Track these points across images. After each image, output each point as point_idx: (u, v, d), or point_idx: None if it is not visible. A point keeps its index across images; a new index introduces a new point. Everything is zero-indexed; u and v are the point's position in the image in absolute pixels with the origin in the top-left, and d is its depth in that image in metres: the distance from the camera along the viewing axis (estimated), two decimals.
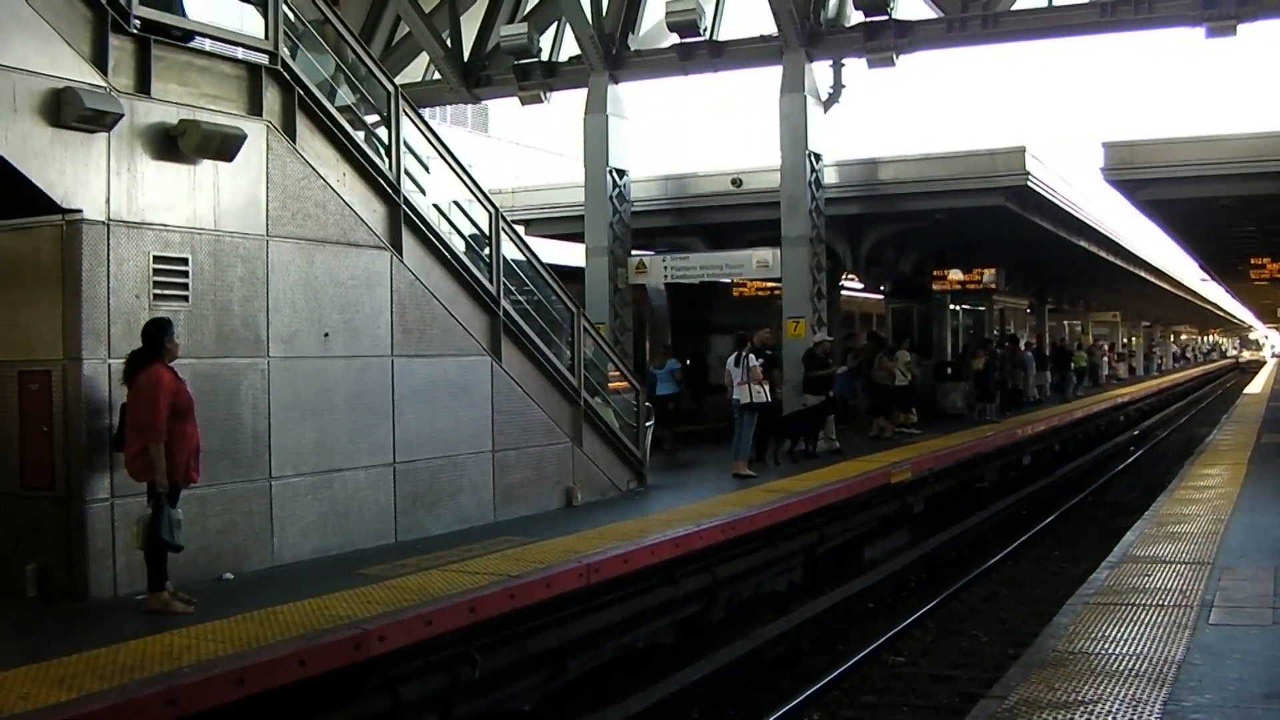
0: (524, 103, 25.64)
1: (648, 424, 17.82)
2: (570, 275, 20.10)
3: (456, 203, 14.89)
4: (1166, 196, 27.68)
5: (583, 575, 11.49)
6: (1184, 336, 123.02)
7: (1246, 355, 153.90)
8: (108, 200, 10.13)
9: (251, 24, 12.05)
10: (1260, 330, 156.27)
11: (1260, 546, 12.65)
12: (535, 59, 24.56)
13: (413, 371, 13.25)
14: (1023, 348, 39.64)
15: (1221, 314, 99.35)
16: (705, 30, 22.99)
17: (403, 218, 13.19)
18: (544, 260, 16.34)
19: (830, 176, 24.85)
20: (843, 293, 34.15)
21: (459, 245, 14.38)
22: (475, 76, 25.82)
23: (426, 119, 14.62)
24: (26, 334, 10.37)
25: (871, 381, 25.78)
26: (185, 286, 10.74)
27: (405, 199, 13.23)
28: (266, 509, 11.47)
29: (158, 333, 9.77)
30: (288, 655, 8.36)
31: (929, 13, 22.36)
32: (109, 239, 10.13)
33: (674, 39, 23.48)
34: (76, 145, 9.92)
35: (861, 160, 27.40)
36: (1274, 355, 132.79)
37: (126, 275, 10.27)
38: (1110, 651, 8.66)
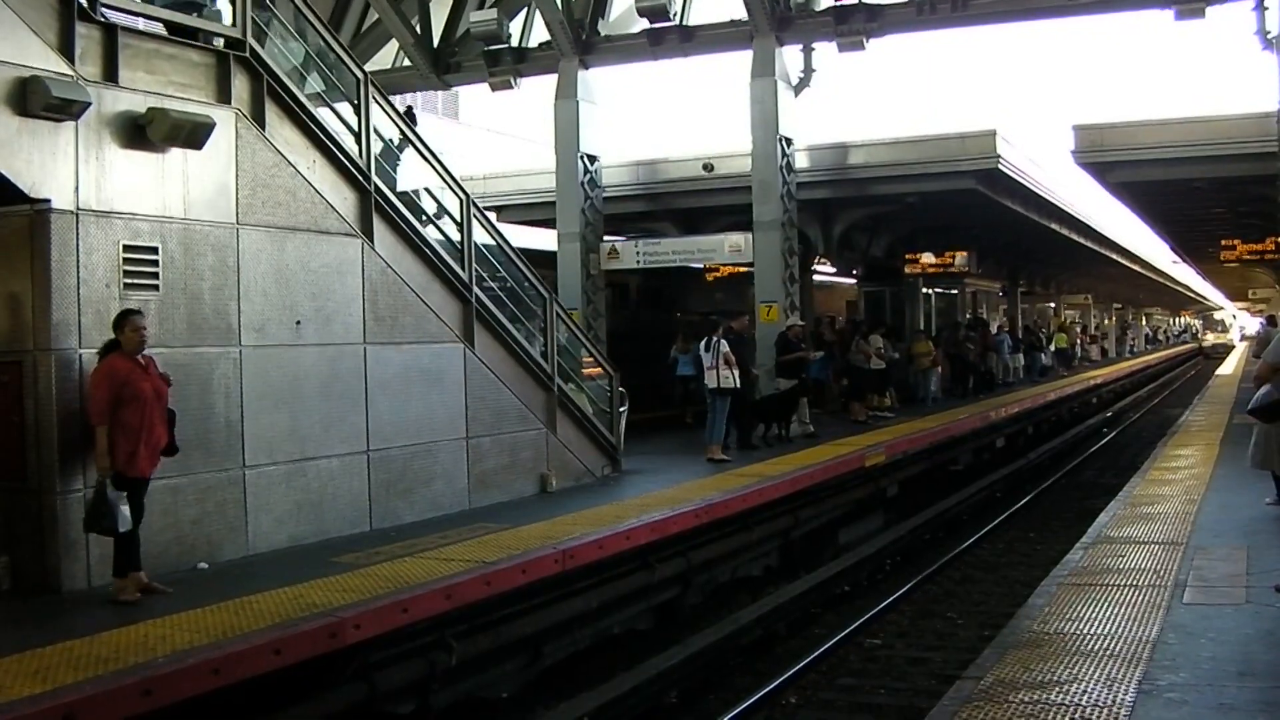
0: (494, 89, 25.60)
1: (622, 409, 17.81)
2: (541, 260, 20.06)
3: (428, 189, 14.86)
4: (1137, 179, 27.87)
5: (558, 561, 11.48)
6: (1156, 318, 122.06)
7: (1210, 338, 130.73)
8: (76, 189, 10.06)
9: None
10: (1228, 309, 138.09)
11: (1233, 526, 12.71)
12: (505, 45, 24.56)
13: (385, 359, 13.21)
14: (994, 331, 39.74)
15: (1193, 295, 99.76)
16: (675, 15, 23.01)
17: (374, 205, 13.14)
18: (516, 245, 16.32)
19: (801, 161, 24.90)
20: None
21: (431, 232, 14.33)
22: (445, 63, 25.79)
23: (397, 106, 14.57)
24: None
25: (848, 364, 25.79)
26: (155, 276, 10.68)
27: (376, 186, 13.18)
28: (240, 498, 11.42)
29: (115, 324, 9.79)
30: (263, 644, 8.33)
31: None
32: (78, 228, 10.06)
33: (644, 24, 23.46)
34: (44, 134, 9.85)
35: (833, 144, 27.48)
36: (1243, 338, 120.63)
37: (96, 265, 10.20)
38: (1085, 632, 8.70)
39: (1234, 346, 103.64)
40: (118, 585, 9.62)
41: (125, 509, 9.50)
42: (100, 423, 9.55)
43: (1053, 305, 64.46)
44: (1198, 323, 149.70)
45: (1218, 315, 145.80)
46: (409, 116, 15.04)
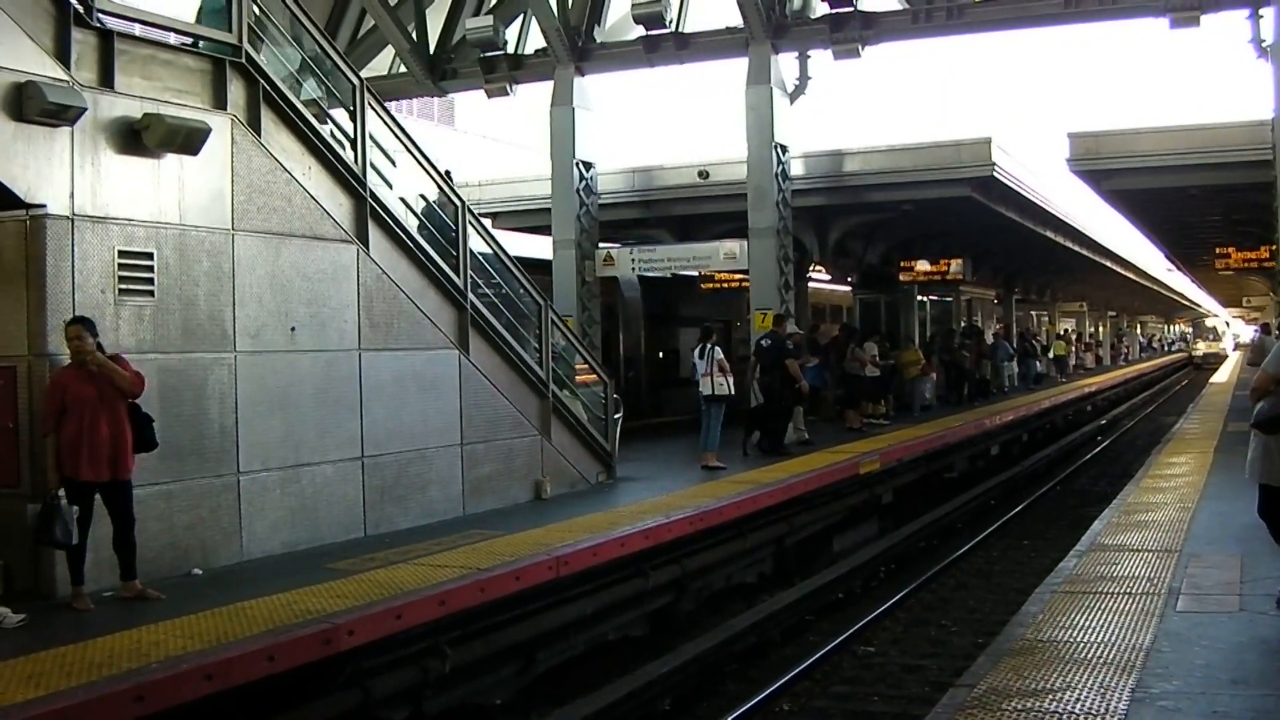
0: (490, 96, 25.65)
1: (616, 416, 17.81)
2: (535, 267, 20.08)
3: (423, 196, 14.86)
4: (1132, 186, 27.91)
5: (552, 568, 11.48)
6: (1151, 326, 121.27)
7: (1202, 347, 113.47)
8: (71, 195, 10.06)
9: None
10: (1221, 316, 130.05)
11: (1227, 534, 12.73)
12: (501, 52, 24.56)
13: (380, 365, 13.21)
14: (990, 338, 39.80)
15: (1187, 303, 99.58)
16: (671, 22, 23.05)
17: (369, 211, 13.15)
18: (513, 253, 16.34)
19: (797, 168, 24.91)
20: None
21: (426, 239, 14.33)
22: (441, 70, 25.82)
23: (392, 112, 14.58)
24: None
25: (843, 371, 25.76)
26: (150, 281, 10.67)
27: (371, 192, 13.19)
28: (234, 504, 11.42)
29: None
30: (257, 650, 8.32)
31: (895, 4, 22.46)
32: (73, 234, 10.06)
33: (640, 31, 23.49)
34: (39, 140, 9.85)
35: (828, 152, 27.48)
36: (1236, 347, 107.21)
37: (91, 270, 10.20)
38: (1078, 639, 8.70)
39: (1227, 356, 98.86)
40: (74, 592, 9.66)
41: (73, 523, 9.50)
42: (45, 433, 9.65)
43: (1042, 314, 64.52)
44: (1190, 329, 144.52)
45: (1210, 322, 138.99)
46: (448, 177, 15.20)
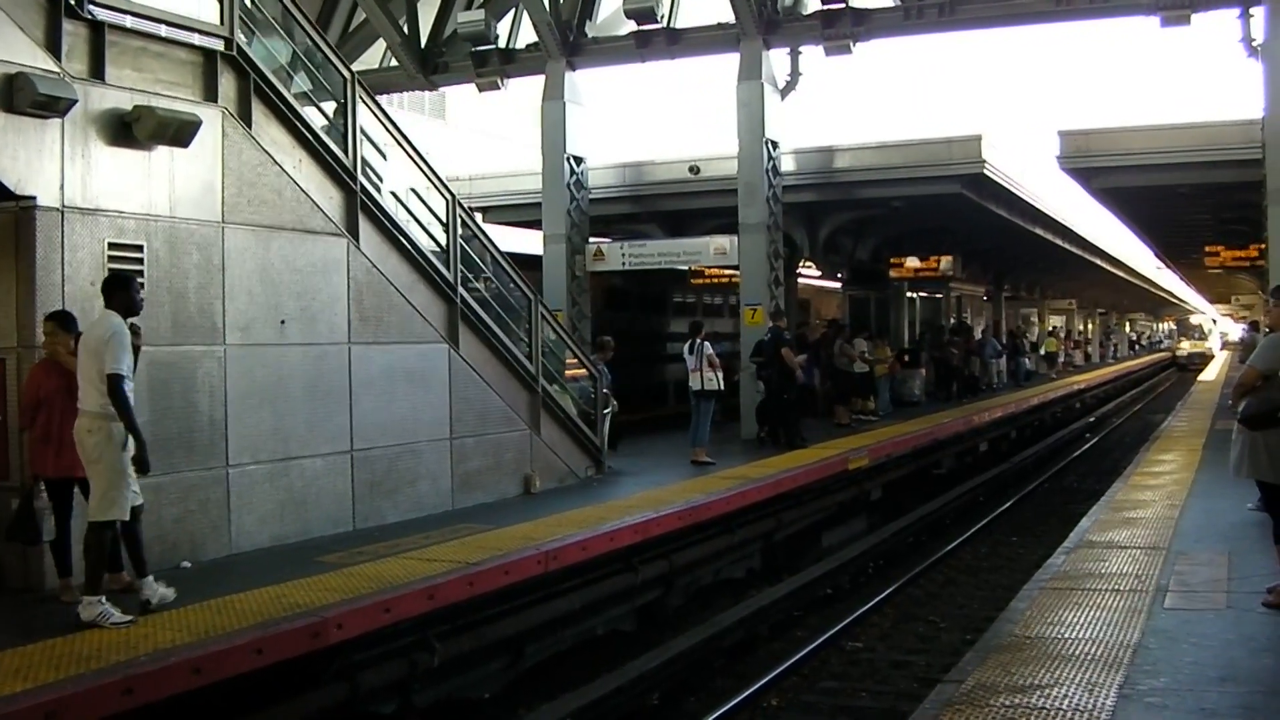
0: (481, 90, 25.57)
1: (606, 411, 17.82)
2: (526, 263, 20.06)
3: (414, 190, 14.84)
4: (1122, 184, 27.97)
5: (541, 562, 11.49)
6: (1140, 323, 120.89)
7: (1186, 346, 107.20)
8: (61, 187, 10.05)
9: (207, 9, 11.96)
10: (1208, 314, 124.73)
11: (1214, 531, 12.75)
12: (492, 46, 24.52)
13: (370, 359, 13.20)
14: (978, 335, 39.84)
15: (1176, 301, 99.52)
16: (662, 18, 22.98)
17: (359, 204, 13.14)
18: (504, 248, 16.34)
19: (787, 164, 24.91)
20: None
21: (417, 233, 14.33)
22: (432, 64, 25.75)
23: (384, 106, 14.57)
24: None
25: (832, 367, 25.77)
26: (140, 274, 10.62)
27: (362, 186, 13.17)
28: (224, 497, 11.41)
29: None
30: (245, 644, 8.33)
31: (886, 0, 22.43)
32: (63, 226, 10.04)
33: (631, 26, 23.45)
34: (30, 131, 9.83)
35: (819, 148, 27.50)
36: (1224, 345, 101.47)
37: (81, 262, 10.18)
38: (1066, 636, 8.72)
39: (1214, 356, 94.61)
40: (61, 585, 9.65)
41: (49, 520, 9.49)
42: (21, 427, 9.72)
43: (1031, 311, 64.60)
44: (1174, 326, 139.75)
45: (1195, 319, 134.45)
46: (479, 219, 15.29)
